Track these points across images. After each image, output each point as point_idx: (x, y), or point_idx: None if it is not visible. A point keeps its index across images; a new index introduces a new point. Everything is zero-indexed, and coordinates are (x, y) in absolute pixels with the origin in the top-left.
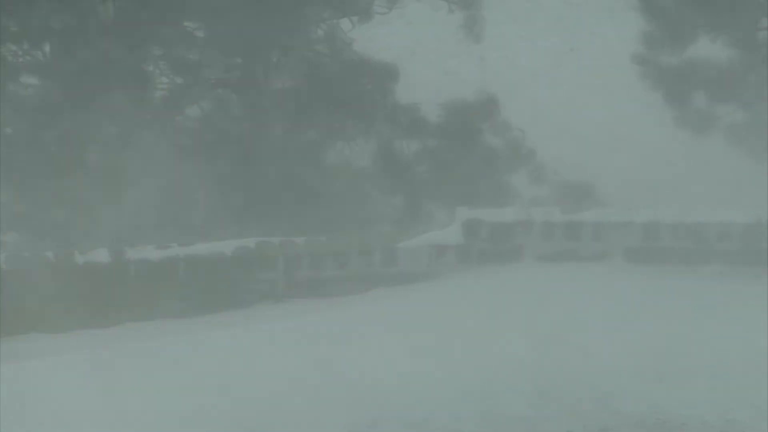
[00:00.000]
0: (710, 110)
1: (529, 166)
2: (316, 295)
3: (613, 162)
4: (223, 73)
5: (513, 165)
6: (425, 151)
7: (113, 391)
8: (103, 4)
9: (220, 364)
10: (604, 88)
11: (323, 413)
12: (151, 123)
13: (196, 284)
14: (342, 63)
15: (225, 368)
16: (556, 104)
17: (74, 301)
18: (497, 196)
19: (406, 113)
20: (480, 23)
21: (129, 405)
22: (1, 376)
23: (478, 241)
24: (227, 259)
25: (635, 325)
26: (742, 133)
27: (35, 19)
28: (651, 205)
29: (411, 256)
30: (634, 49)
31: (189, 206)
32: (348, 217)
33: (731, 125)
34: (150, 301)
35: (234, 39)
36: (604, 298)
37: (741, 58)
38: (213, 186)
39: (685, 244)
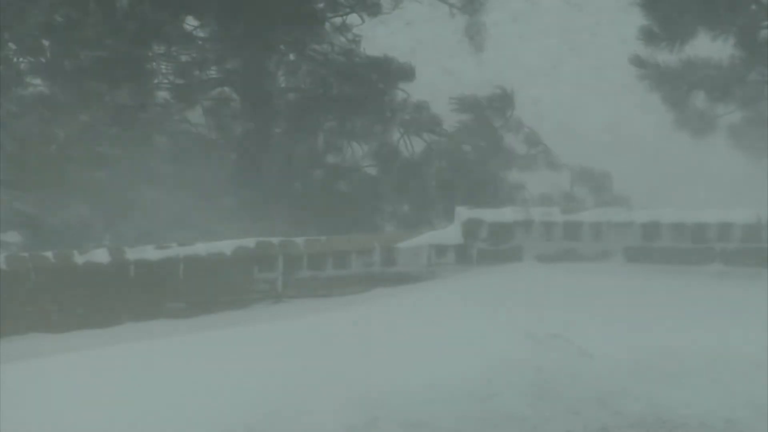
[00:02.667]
0: (710, 110)
1: (529, 166)
2: (316, 295)
3: (613, 162)
4: (225, 72)
5: (513, 165)
6: (428, 151)
7: (113, 391)
8: None
9: (219, 364)
10: (604, 88)
11: (322, 413)
12: (153, 122)
13: (196, 284)
14: (350, 61)
15: (224, 368)
16: (556, 104)
17: (74, 301)
18: (497, 195)
19: (412, 112)
20: (482, 31)
21: (129, 405)
22: (1, 376)
23: (478, 241)
24: (227, 259)
25: (635, 324)
26: (742, 133)
27: (36, 18)
28: (651, 205)
29: (411, 256)
30: (632, 49)
31: (189, 206)
32: (350, 217)
33: (731, 125)
34: (150, 301)
35: (237, 37)
36: (604, 298)
37: (742, 57)
38: (214, 185)
39: (685, 244)
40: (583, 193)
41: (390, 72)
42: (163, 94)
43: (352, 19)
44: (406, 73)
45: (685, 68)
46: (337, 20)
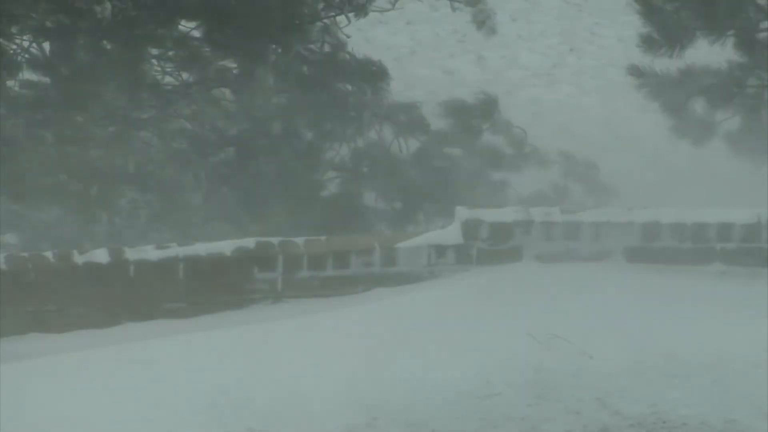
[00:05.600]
0: (709, 117)
1: (529, 166)
2: (316, 295)
3: (613, 162)
4: (219, 73)
5: (513, 165)
6: (424, 150)
7: (113, 391)
8: (101, 4)
9: (219, 364)
10: (604, 88)
11: (322, 413)
12: (148, 122)
13: (196, 284)
14: (338, 61)
15: (224, 368)
16: (556, 104)
17: (74, 301)
18: (497, 196)
19: (405, 112)
20: (492, 15)
21: (128, 405)
22: (1, 376)
23: (478, 241)
24: (227, 259)
25: (635, 324)
26: (742, 139)
27: (34, 18)
28: (651, 205)
29: (411, 256)
30: (632, 50)
31: (188, 206)
32: (348, 217)
33: (731, 131)
34: (150, 301)
35: (230, 38)
36: (604, 298)
37: (740, 61)
38: (211, 186)
39: (685, 244)
40: (571, 185)
41: (370, 71)
42: (159, 94)
43: (342, 19)
44: (384, 72)
45: (683, 75)
46: (328, 21)
